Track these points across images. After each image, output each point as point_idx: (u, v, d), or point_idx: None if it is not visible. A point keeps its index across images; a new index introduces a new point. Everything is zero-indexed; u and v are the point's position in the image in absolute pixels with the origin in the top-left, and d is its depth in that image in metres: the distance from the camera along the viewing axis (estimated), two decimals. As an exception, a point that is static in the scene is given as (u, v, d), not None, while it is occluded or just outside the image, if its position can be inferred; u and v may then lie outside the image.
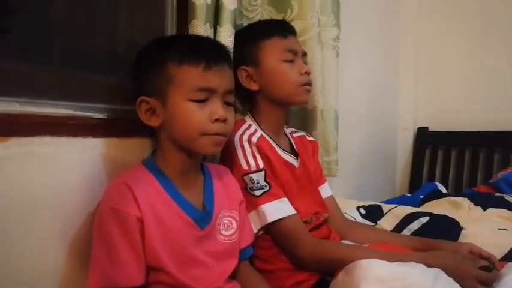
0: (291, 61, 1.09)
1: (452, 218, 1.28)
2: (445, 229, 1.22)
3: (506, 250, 1.13)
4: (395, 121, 2.38)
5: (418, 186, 2.15)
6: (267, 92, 1.10)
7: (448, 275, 0.88)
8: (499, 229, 1.26)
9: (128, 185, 0.80)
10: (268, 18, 1.29)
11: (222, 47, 0.94)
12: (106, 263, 0.78)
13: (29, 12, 0.85)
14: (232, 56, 0.96)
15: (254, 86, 1.09)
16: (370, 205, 1.48)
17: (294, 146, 1.17)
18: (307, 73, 1.10)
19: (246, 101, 1.16)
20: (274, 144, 1.09)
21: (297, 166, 1.13)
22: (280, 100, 1.10)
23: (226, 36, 1.03)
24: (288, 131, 1.21)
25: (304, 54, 1.15)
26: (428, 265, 0.89)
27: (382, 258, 0.89)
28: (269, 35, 1.09)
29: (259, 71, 1.09)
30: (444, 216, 1.31)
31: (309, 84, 1.11)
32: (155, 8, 1.09)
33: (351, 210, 1.42)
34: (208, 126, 0.83)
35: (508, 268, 0.98)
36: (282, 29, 1.12)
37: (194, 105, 0.83)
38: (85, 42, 0.96)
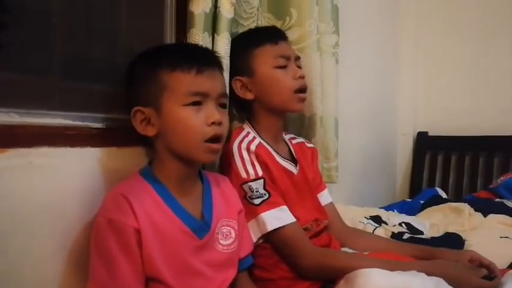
0: (285, 66, 1.09)
1: (455, 233, 1.28)
2: (448, 243, 1.21)
3: (510, 260, 1.13)
4: (395, 126, 2.38)
5: (418, 191, 2.14)
6: (263, 100, 1.10)
7: (449, 284, 0.88)
8: (500, 237, 1.26)
9: (125, 196, 0.79)
10: (268, 25, 1.29)
11: (211, 52, 0.95)
12: (104, 275, 0.77)
13: (27, 22, 0.85)
14: (221, 61, 0.96)
15: (249, 96, 1.09)
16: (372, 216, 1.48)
17: (293, 153, 1.17)
18: (302, 77, 1.10)
19: (242, 110, 1.16)
20: (273, 152, 1.09)
21: (296, 173, 1.12)
22: (276, 108, 1.10)
23: (224, 45, 1.03)
24: (286, 137, 1.21)
25: (297, 58, 1.15)
26: (430, 274, 0.89)
27: (383, 267, 0.89)
28: (260, 43, 1.09)
29: (254, 80, 1.09)
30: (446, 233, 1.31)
31: (303, 88, 1.11)
32: (154, 17, 1.09)
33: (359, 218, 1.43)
34: (204, 130, 0.84)
35: (508, 276, 0.97)
36: (272, 35, 1.11)
37: (189, 110, 0.83)
38: (84, 52, 0.96)
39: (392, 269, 0.89)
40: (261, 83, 1.08)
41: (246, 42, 1.10)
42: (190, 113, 0.83)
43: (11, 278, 0.77)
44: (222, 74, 0.92)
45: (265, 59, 1.08)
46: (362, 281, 0.84)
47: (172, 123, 0.84)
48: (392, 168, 2.39)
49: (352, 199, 1.83)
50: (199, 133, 0.83)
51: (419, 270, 0.90)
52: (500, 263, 1.05)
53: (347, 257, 1.02)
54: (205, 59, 0.88)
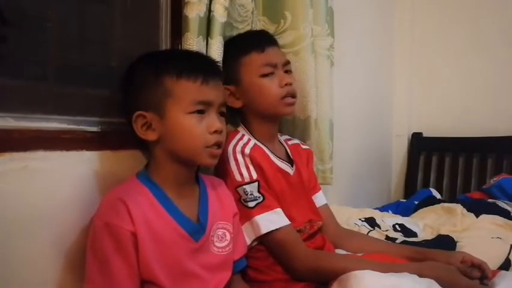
0: (271, 74, 1.08)
1: (447, 236, 1.29)
2: (441, 245, 1.22)
3: (501, 261, 1.14)
4: (389, 127, 2.40)
5: (413, 192, 2.16)
6: (252, 108, 1.10)
7: (441, 285, 0.89)
8: (492, 238, 1.27)
9: (121, 199, 0.80)
10: (263, 28, 1.30)
11: (215, 62, 0.96)
12: (100, 278, 0.78)
13: (23, 28, 0.86)
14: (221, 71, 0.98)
15: (238, 104, 1.10)
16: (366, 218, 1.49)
17: (289, 154, 1.18)
18: (288, 84, 1.09)
19: (236, 115, 1.16)
20: (269, 152, 1.10)
21: (292, 174, 1.13)
22: (265, 114, 1.11)
23: (218, 49, 1.04)
24: (282, 138, 1.22)
25: (286, 63, 1.13)
26: (422, 276, 0.90)
27: (376, 269, 0.90)
28: (245, 51, 1.08)
29: (240, 88, 1.09)
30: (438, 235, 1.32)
31: (290, 95, 1.10)
32: (149, 21, 1.09)
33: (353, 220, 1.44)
34: (207, 138, 0.86)
35: (500, 277, 0.99)
36: (259, 43, 1.10)
37: (192, 118, 0.85)
38: (79, 56, 0.97)
39: (384, 271, 0.90)
40: (247, 92, 1.09)
41: (233, 51, 1.09)
42: (193, 121, 0.85)
43: (7, 280, 0.77)
44: (222, 83, 0.94)
45: (250, 68, 1.08)
46: (354, 282, 0.86)
47: (175, 129, 0.85)
48: (387, 169, 2.41)
49: (348, 200, 1.84)
50: (202, 141, 0.86)
51: (411, 272, 0.91)
52: (491, 264, 1.06)
53: (340, 259, 1.03)
54: (210, 69, 0.90)
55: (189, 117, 0.85)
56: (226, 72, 1.06)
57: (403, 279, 0.87)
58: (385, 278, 0.87)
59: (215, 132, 0.86)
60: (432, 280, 0.89)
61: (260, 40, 1.12)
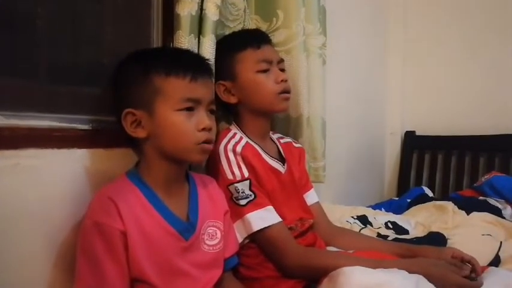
0: (267, 70, 1.09)
1: (438, 232, 1.31)
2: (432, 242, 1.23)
3: (491, 257, 1.15)
4: (382, 126, 2.41)
5: (406, 190, 2.17)
6: (247, 103, 1.11)
7: (431, 282, 0.90)
8: (482, 235, 1.28)
9: (111, 198, 0.80)
10: (255, 27, 1.31)
11: (204, 60, 0.97)
12: (90, 278, 0.78)
13: (13, 25, 0.86)
14: (211, 68, 0.98)
15: (233, 100, 1.11)
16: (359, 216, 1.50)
17: (282, 152, 1.18)
18: (284, 80, 1.11)
19: (228, 112, 1.17)
20: (260, 151, 1.10)
21: (283, 172, 1.14)
22: (260, 110, 1.12)
23: (209, 47, 1.04)
24: (274, 137, 1.22)
25: (281, 61, 1.15)
26: (411, 272, 0.91)
27: (366, 265, 0.91)
28: (242, 47, 1.10)
29: (236, 84, 1.10)
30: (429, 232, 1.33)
31: (286, 91, 1.11)
32: (141, 19, 1.09)
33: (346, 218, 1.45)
34: (195, 135, 0.86)
35: (489, 273, 1.00)
36: (255, 39, 1.12)
37: (181, 115, 0.85)
38: (71, 54, 0.97)
39: (374, 267, 0.91)
40: (243, 87, 1.09)
41: (229, 47, 1.11)
42: (182, 118, 0.85)
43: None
44: (212, 81, 0.95)
45: (247, 63, 1.09)
46: (344, 278, 0.86)
47: (165, 127, 0.85)
48: (380, 167, 2.42)
49: (341, 198, 1.85)
50: (191, 138, 0.86)
51: (401, 268, 0.92)
52: (481, 261, 1.07)
53: (331, 256, 1.04)
54: (199, 66, 0.90)
55: (177, 114, 0.85)
56: (222, 68, 1.08)
57: (392, 275, 0.88)
58: (375, 274, 0.88)
59: (204, 129, 0.86)
60: (420, 276, 0.90)
61: (256, 37, 1.14)
